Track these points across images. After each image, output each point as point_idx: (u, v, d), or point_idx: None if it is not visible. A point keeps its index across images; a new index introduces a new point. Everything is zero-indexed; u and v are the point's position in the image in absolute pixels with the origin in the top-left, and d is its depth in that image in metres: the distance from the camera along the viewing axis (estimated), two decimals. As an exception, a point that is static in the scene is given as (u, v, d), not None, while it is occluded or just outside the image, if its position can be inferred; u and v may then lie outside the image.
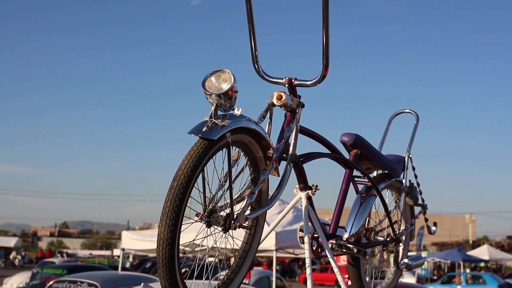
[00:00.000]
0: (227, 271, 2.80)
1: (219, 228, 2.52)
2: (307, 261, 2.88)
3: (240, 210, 2.56)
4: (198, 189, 2.44)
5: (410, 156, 4.03)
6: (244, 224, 2.57)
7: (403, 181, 3.98)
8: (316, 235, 3.21)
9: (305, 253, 2.93)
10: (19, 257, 62.68)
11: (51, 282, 12.11)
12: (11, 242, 78.26)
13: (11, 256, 63.77)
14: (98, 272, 13.29)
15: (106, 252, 66.65)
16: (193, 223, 2.47)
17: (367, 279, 3.85)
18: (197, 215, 2.47)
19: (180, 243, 2.36)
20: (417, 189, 4.04)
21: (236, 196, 2.70)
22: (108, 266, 26.04)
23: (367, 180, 3.61)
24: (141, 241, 14.41)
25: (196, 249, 2.86)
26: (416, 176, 4.05)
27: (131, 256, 46.27)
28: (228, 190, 2.52)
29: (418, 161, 4.05)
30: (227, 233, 2.60)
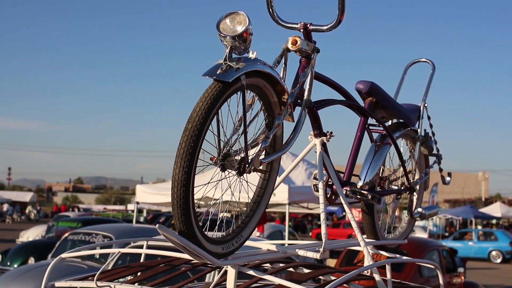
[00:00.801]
0: (241, 215, 2.81)
1: (234, 172, 2.52)
2: (321, 207, 2.88)
3: (254, 155, 2.55)
4: (213, 132, 2.43)
5: (426, 105, 3.99)
6: (258, 168, 2.57)
7: (418, 130, 3.95)
8: (330, 182, 3.20)
9: (320, 199, 2.92)
10: (34, 211, 63.38)
11: (66, 234, 12.27)
12: (26, 197, 79.11)
13: (26, 211, 64.53)
14: (113, 225, 13.42)
15: (120, 207, 67.35)
16: (207, 166, 2.47)
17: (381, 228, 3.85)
18: (211, 159, 2.47)
19: (195, 186, 2.36)
20: (432, 139, 4.01)
21: (251, 141, 2.69)
22: (122, 220, 26.31)
23: (382, 129, 3.58)
24: (155, 195, 14.53)
25: (209, 202, 2.86)
26: (431, 126, 4.01)
27: (144, 211, 46.73)
28: (243, 135, 2.51)
29: (432, 118, 4.01)
30: (241, 177, 2.60)
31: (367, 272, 3.43)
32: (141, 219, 37.13)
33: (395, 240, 3.90)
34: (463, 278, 12.32)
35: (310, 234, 44.05)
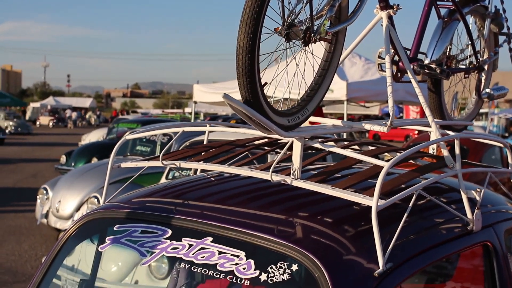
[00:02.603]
0: (306, 89, 2.74)
1: (299, 42, 2.44)
2: (388, 81, 2.79)
3: (320, 24, 2.46)
4: None
5: None
6: (324, 37, 2.48)
7: (489, 6, 3.75)
8: (396, 59, 3.10)
9: (387, 73, 2.83)
10: (94, 116, 64.94)
11: (126, 134, 12.49)
12: (86, 103, 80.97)
13: (87, 116, 66.13)
14: (172, 123, 13.55)
15: (178, 111, 68.24)
16: (272, 35, 2.40)
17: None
18: (275, 29, 2.39)
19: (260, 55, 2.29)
20: (503, 16, 3.82)
21: (316, 11, 2.59)
22: (180, 121, 26.62)
23: (450, 4, 3.42)
24: (212, 94, 14.56)
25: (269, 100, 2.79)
26: (502, 2, 3.81)
27: (202, 114, 47.27)
28: (308, 4, 2.42)
29: None
30: (307, 48, 2.52)
31: (433, 151, 3.37)
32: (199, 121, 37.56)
33: (462, 121, 3.80)
34: (524, 174, 12.10)
35: (367, 135, 43.91)
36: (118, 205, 2.94)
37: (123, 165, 3.26)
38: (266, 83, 2.34)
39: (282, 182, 2.55)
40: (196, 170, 3.52)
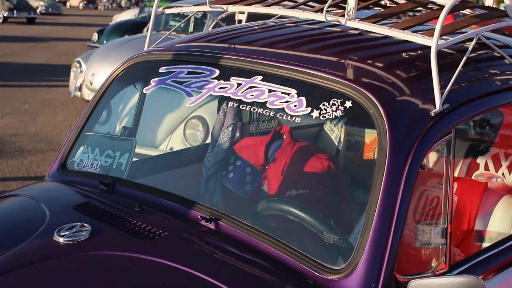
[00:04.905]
0: None
1: None
2: None
3: None
4: None
5: None
6: None
7: None
8: None
9: None
10: (125, -2, 63.98)
11: (160, 9, 12.26)
12: (116, -15, 79.63)
13: (117, -1, 65.26)
14: None
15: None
16: None
17: None
18: None
19: None
20: None
21: None
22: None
23: None
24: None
25: None
26: None
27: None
28: None
29: None
30: None
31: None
32: None
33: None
34: None
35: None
36: (163, 49, 2.86)
37: (168, 11, 3.16)
38: None
39: (335, 23, 2.45)
40: (240, 21, 3.42)
